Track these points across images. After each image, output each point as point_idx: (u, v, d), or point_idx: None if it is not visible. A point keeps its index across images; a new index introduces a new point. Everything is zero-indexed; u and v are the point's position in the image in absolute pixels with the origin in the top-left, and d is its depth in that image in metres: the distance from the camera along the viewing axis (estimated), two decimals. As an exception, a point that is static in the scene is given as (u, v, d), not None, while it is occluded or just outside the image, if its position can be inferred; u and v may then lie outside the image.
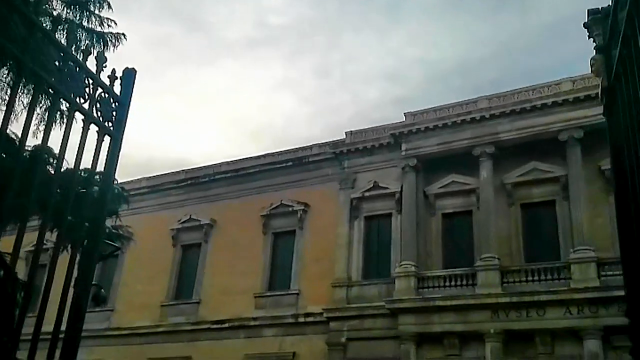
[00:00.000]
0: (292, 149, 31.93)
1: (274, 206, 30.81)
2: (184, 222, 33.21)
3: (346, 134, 29.81)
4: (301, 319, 27.62)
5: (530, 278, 22.76)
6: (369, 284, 26.75)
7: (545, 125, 24.27)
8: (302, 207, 29.92)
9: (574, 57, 53.10)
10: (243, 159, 33.21)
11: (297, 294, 28.54)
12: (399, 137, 27.39)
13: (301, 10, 74.37)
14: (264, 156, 32.60)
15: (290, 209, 30.27)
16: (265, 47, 76.88)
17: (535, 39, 65.75)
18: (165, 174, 35.51)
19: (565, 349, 21.69)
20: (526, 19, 65.86)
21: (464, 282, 23.96)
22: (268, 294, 29.41)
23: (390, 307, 24.79)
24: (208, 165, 34.38)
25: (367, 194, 28.24)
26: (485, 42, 68.56)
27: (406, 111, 27.51)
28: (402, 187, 26.98)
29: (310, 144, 31.29)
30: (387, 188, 27.74)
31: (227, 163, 33.59)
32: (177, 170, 35.30)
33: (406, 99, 75.67)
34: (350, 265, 27.54)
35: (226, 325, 29.12)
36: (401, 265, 25.36)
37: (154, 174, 35.83)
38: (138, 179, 36.08)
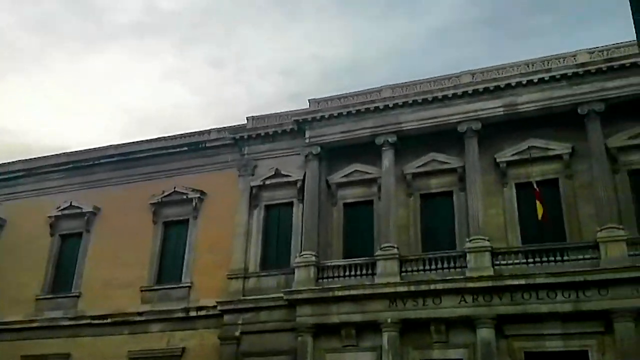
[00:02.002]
0: (188, 133, 30.24)
1: (166, 194, 29.06)
2: (63, 209, 30.58)
3: (247, 119, 28.66)
4: (192, 313, 26.19)
5: (427, 267, 22.88)
6: (267, 275, 25.82)
7: (445, 116, 24.60)
8: (198, 195, 28.42)
9: (460, 62, 55.34)
10: (133, 142, 31.04)
11: (189, 286, 27.03)
12: (303, 124, 26.71)
13: (194, -3, 71.78)
14: (156, 140, 30.64)
15: (185, 196, 28.65)
16: (156, 34, 73.79)
17: (424, 42, 68.19)
18: (44, 156, 32.50)
19: (459, 338, 21.93)
20: (415, 23, 68.18)
21: (364, 272, 23.70)
22: (156, 287, 27.65)
23: (289, 298, 24.07)
24: (93, 149, 31.82)
25: (268, 182, 27.29)
26: (377, 43, 70.11)
27: (310, 97, 26.85)
28: (304, 176, 26.32)
29: (209, 128, 29.77)
30: (289, 176, 26.96)
31: (115, 146, 31.28)
32: (58, 153, 32.38)
33: (301, 95, 75.77)
34: (248, 255, 26.46)
35: (108, 320, 27.09)
36: (301, 255, 24.70)
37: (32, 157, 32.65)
38: (12, 162, 32.91)
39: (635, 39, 22.90)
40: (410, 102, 25.05)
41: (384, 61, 70.71)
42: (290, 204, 26.81)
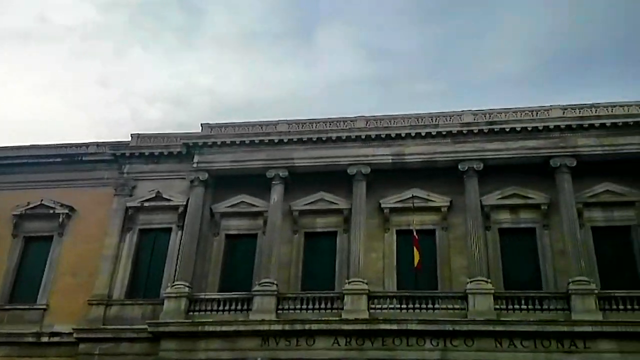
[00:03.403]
0: (64, 144, 28.18)
1: (31, 206, 26.81)
2: None
3: (132, 137, 27.22)
4: (44, 339, 24.09)
5: (305, 306, 22.54)
6: (132, 304, 24.24)
7: (337, 157, 24.90)
8: (66, 211, 26.43)
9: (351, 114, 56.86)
10: (1, 147, 28.22)
11: (44, 309, 24.87)
12: (192, 148, 25.79)
13: (89, 13, 68.69)
14: (28, 147, 28.25)
15: (52, 211, 26.53)
16: (43, 44, 69.22)
17: (319, 91, 69.95)
18: None
19: (327, 381, 21.62)
20: (313, 72, 69.99)
21: (239, 307, 22.88)
22: (7, 306, 25.22)
23: (154, 330, 22.63)
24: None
25: (146, 204, 25.89)
26: (274, 85, 70.81)
27: (203, 122, 26.06)
28: (187, 201, 25.25)
29: (88, 141, 27.86)
30: (171, 200, 25.78)
31: (-20, 150, 28.26)
32: None
33: (190, 126, 73.54)
34: (114, 281, 24.79)
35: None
36: (173, 285, 23.42)
37: None
38: None
39: (517, 105, 24.99)
40: (305, 139, 25.13)
41: (279, 104, 71.36)
42: (169, 230, 25.56)
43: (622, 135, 23.30)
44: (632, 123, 23.19)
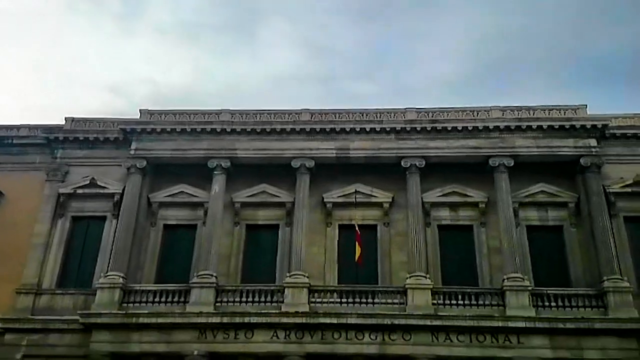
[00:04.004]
0: (-8, 126, 26.50)
1: (-49, 190, 24.98)
2: None
3: (66, 120, 26.04)
4: (-34, 330, 22.41)
5: (244, 299, 22.22)
6: (63, 294, 23.33)
7: (281, 150, 24.63)
8: (-7, 196, 24.82)
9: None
10: None
11: (-34, 299, 23.16)
12: (130, 134, 24.88)
13: (23, -5, 65.08)
14: (-47, 128, 26.37)
15: (-23, 195, 24.85)
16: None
17: (261, 85, 69.21)
18: None
19: (266, 375, 21.41)
20: (256, 66, 69.24)
21: (176, 299, 22.31)
22: None
23: (85, 321, 21.87)
24: None
25: (80, 190, 24.82)
26: (216, 77, 69.53)
27: (142, 108, 25.17)
28: (123, 189, 24.35)
29: (19, 123, 26.40)
30: (106, 188, 24.80)
31: None
32: None
33: (127, 115, 71.03)
34: (44, 270, 23.79)
35: None
36: (107, 275, 22.62)
37: None
38: None
39: (459, 105, 25.39)
40: (249, 130, 24.71)
41: (221, 97, 70.16)
42: (103, 218, 24.62)
43: (557, 138, 24.12)
44: (567, 126, 24.04)
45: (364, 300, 21.97)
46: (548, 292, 21.78)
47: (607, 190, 23.61)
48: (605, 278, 21.61)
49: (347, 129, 24.73)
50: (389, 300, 22.00)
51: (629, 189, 23.82)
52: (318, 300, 22.12)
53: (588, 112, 24.63)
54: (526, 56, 65.59)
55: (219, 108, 25.50)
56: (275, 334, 21.51)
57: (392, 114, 25.41)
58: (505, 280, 21.84)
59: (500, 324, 21.03)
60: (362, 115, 25.38)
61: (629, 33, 63.16)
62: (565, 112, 24.70)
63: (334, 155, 24.68)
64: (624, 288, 21.44)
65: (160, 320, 21.65)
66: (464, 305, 21.66)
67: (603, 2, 62.69)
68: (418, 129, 24.66)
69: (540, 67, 65.52)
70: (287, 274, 22.55)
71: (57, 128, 26.00)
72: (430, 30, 65.60)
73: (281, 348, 21.33)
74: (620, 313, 20.90)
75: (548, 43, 64.44)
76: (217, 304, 22.08)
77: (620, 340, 20.60)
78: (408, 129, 24.71)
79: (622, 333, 20.66)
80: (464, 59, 66.64)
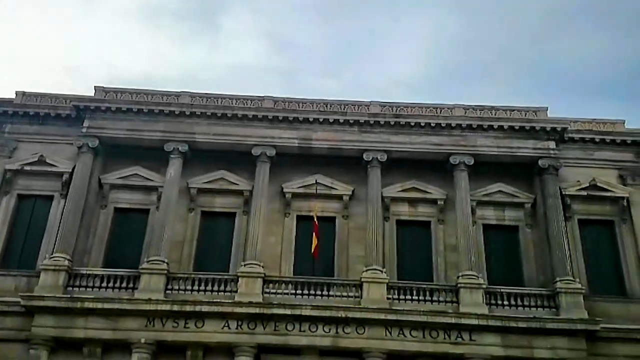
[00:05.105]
0: None
1: None
2: None
3: (17, 94, 24.84)
4: None
5: (196, 287, 21.62)
6: (5, 275, 22.39)
7: (241, 136, 24.03)
8: None
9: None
10: None
11: None
12: (83, 111, 23.87)
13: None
14: None
15: None
16: None
17: (222, 75, 68.04)
18: None
19: (215, 366, 20.84)
20: (216, 56, 68.05)
21: (124, 285, 21.59)
22: None
23: (27, 304, 20.98)
24: None
25: (27, 167, 23.72)
26: (175, 64, 67.97)
27: (98, 84, 24.16)
28: (73, 169, 23.34)
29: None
30: (55, 166, 23.76)
31: None
32: None
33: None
34: (-15, 249, 22.42)
35: None
36: (52, 257, 21.72)
37: None
38: None
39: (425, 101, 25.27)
40: (209, 114, 24.02)
41: (180, 83, 68.48)
42: (51, 198, 23.61)
43: (518, 139, 24.32)
44: (528, 128, 24.26)
45: (319, 292, 21.66)
46: (502, 290, 21.92)
47: (564, 193, 23.94)
48: (557, 279, 21.87)
49: (311, 119, 24.33)
50: (344, 293, 21.76)
51: (584, 192, 24.23)
52: (272, 291, 21.69)
53: (549, 115, 24.95)
54: (489, 62, 66.58)
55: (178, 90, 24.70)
56: (226, 324, 21.00)
57: (356, 107, 25.14)
58: (460, 278, 21.88)
59: (453, 320, 21.04)
60: (326, 106, 25.03)
61: (590, 48, 64.99)
62: (526, 114, 24.92)
63: (296, 145, 24.24)
64: (576, 289, 21.74)
65: (106, 305, 20.87)
66: (419, 300, 21.61)
67: (565, 17, 64.35)
68: (381, 122, 24.46)
69: (501, 74, 66.63)
70: (242, 264, 22.03)
71: (6, 102, 24.75)
72: (395, 31, 65.75)
73: (232, 338, 20.84)
74: (571, 314, 21.19)
75: (511, 51, 65.58)
76: (167, 292, 21.41)
77: (570, 340, 20.87)
78: (371, 122, 24.48)
79: (572, 333, 20.95)
80: (427, 61, 67.17)
